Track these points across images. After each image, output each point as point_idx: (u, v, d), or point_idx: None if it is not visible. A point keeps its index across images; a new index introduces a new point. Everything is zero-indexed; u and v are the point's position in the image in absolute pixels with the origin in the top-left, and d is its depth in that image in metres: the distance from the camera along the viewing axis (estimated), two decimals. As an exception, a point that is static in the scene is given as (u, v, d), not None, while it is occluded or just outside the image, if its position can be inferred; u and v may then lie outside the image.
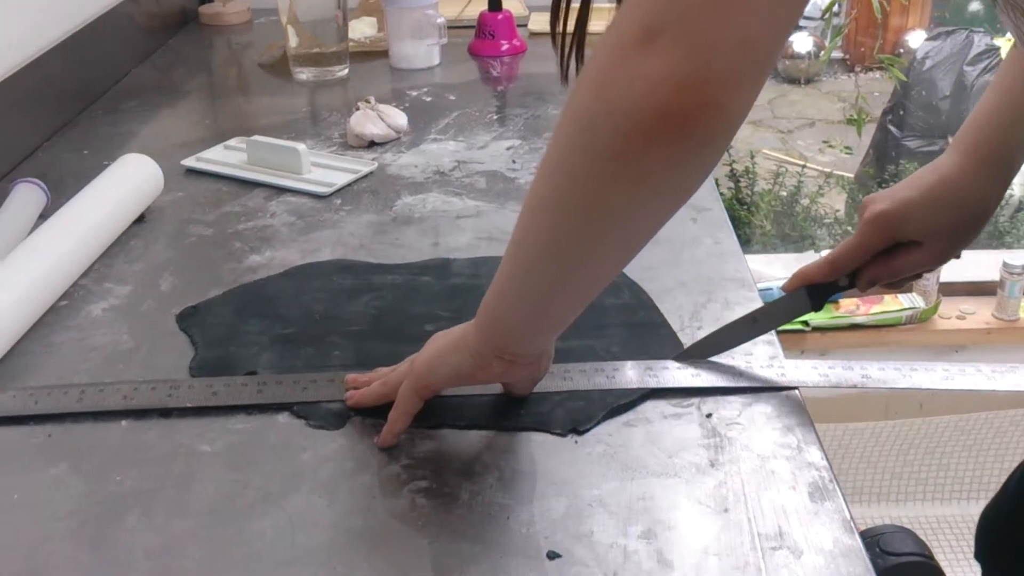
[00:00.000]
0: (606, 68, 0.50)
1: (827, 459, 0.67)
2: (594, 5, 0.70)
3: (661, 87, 0.47)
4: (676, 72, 0.47)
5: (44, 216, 0.97)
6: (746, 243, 2.20)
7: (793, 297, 0.80)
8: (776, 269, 2.05)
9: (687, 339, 0.80)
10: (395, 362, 0.75)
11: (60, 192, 1.01)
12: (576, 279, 0.60)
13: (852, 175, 2.97)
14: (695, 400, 0.73)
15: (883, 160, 2.83)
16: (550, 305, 0.62)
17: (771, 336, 0.80)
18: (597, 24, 0.61)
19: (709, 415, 0.71)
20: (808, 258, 2.09)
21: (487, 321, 0.66)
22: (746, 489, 0.64)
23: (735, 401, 0.73)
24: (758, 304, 0.86)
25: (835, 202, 2.70)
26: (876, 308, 1.95)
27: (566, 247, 0.57)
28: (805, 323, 1.94)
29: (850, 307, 1.96)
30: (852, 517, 0.62)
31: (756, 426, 0.70)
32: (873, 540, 1.38)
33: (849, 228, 2.47)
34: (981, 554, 1.13)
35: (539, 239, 0.59)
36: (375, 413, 0.71)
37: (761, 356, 0.78)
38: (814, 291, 0.79)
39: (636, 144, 0.50)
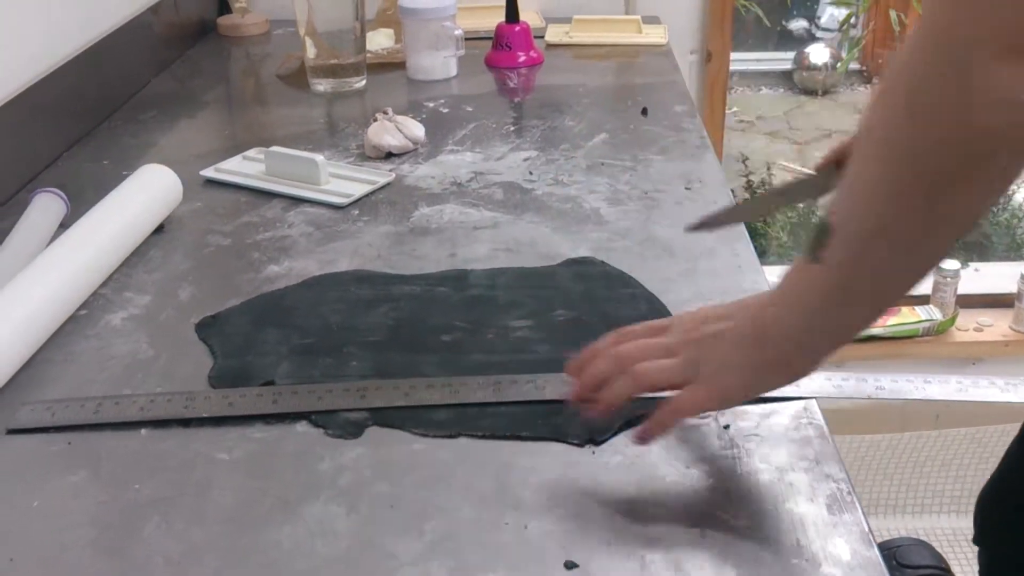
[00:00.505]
0: (965, 84, 0.48)
1: (845, 471, 0.67)
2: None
3: None
4: None
5: (64, 225, 0.98)
6: (762, 254, 2.19)
7: (825, 175, 0.76)
8: (792, 281, 2.04)
9: (704, 350, 0.80)
10: (413, 373, 0.76)
11: (80, 202, 1.02)
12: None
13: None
14: (712, 412, 0.73)
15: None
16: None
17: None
18: None
19: (726, 427, 0.71)
20: (824, 270, 2.08)
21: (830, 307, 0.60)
22: (764, 501, 0.64)
23: (752, 413, 0.73)
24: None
25: (851, 214, 2.69)
26: (893, 320, 1.94)
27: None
28: (821, 335, 1.93)
29: (867, 319, 1.95)
30: (871, 529, 0.62)
31: (774, 438, 0.70)
32: (890, 553, 1.37)
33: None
34: (981, 538, 1.13)
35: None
36: (392, 423, 0.72)
37: (779, 368, 0.78)
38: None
39: (997, 155, 0.50)
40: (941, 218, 0.54)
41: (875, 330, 1.93)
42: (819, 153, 3.78)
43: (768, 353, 0.63)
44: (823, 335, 0.62)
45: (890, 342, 1.94)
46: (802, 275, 0.61)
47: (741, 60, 4.13)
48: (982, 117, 0.48)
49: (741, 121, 3.88)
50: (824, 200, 0.65)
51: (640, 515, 0.63)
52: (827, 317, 0.61)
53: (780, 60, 4.28)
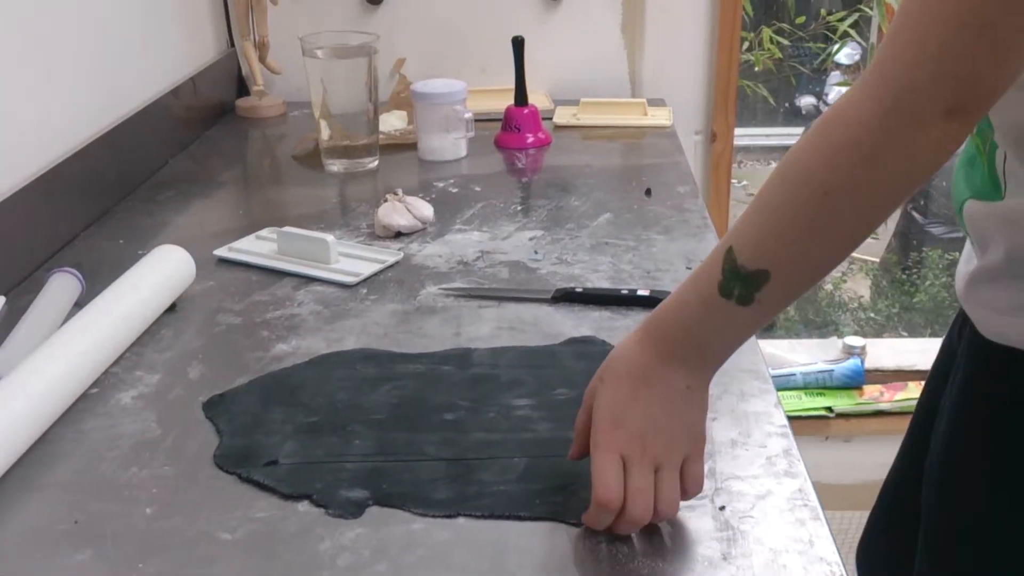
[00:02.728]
0: (917, 135, 0.61)
1: (839, 554, 0.68)
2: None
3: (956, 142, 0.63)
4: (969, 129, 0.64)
5: (80, 304, 1.00)
6: (768, 328, 2.21)
7: None
8: (799, 355, 2.05)
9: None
10: (414, 452, 0.78)
11: (96, 280, 1.05)
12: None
13: (877, 260, 2.98)
14: (708, 492, 0.74)
15: (907, 247, 2.84)
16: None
17: (785, 429, 0.81)
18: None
19: (722, 508, 0.72)
20: (832, 344, 2.09)
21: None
22: (757, 583, 0.65)
23: (748, 493, 0.74)
24: (773, 396, 0.87)
25: (859, 287, 2.71)
26: (900, 395, 1.95)
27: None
28: (829, 409, 1.93)
29: (874, 394, 1.95)
30: (863, 612, 0.63)
31: (768, 519, 0.71)
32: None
33: (873, 314, 2.47)
34: None
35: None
36: (392, 503, 0.73)
37: (775, 447, 0.79)
38: None
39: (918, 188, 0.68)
40: (863, 235, 0.67)
41: (882, 405, 1.93)
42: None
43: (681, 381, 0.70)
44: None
45: (898, 416, 1.94)
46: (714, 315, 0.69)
47: (748, 135, 4.18)
48: (927, 159, 0.62)
49: (751, 194, 3.91)
50: None
51: (634, 596, 0.64)
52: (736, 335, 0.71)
53: (788, 136, 4.33)
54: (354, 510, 0.72)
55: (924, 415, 1.02)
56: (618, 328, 0.99)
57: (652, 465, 0.68)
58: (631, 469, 0.68)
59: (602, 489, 0.68)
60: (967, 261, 0.91)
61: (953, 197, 0.90)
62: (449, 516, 0.72)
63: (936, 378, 1.03)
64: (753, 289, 0.66)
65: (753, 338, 0.96)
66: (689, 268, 1.12)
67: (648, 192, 1.37)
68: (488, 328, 1.00)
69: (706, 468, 0.76)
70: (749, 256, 0.66)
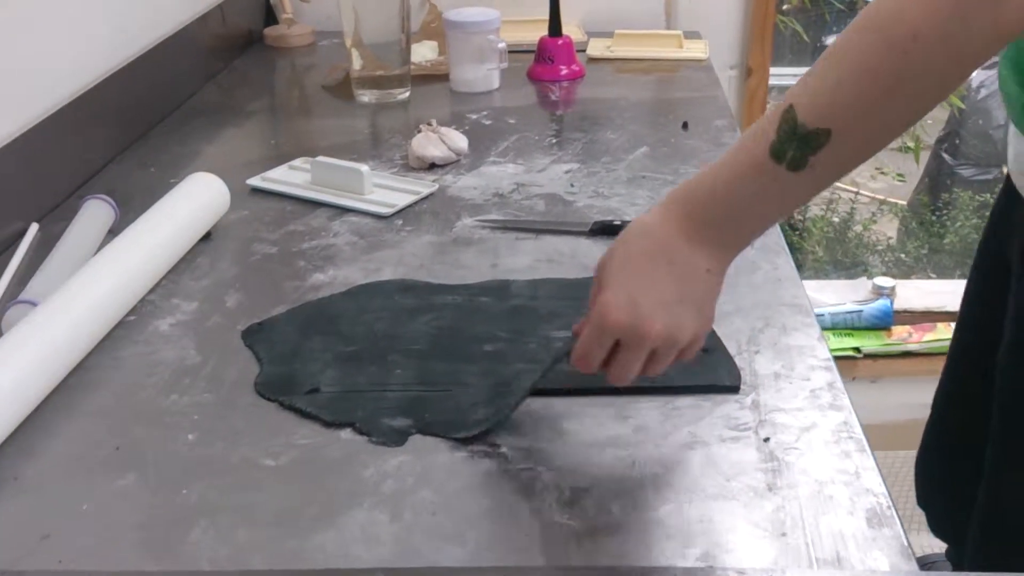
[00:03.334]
0: None
1: (885, 485, 0.67)
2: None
3: None
4: None
5: (113, 232, 1.00)
6: (798, 268, 2.19)
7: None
8: (828, 295, 2.03)
9: (743, 363, 0.80)
10: (455, 381, 0.78)
11: (128, 208, 1.04)
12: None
13: (905, 202, 2.95)
14: (752, 424, 0.73)
15: (937, 188, 2.80)
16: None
17: (829, 363, 0.81)
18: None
19: (767, 439, 0.72)
20: (861, 285, 2.07)
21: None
22: (804, 513, 0.64)
23: (793, 426, 0.73)
24: (816, 330, 0.86)
25: (888, 229, 2.68)
26: (929, 336, 1.93)
27: None
28: (857, 349, 1.92)
29: (902, 335, 1.94)
30: (910, 544, 0.62)
31: (814, 451, 0.70)
32: (927, 567, 1.37)
33: (902, 255, 2.45)
34: (921, 499, 1.14)
35: None
36: (435, 431, 0.73)
37: (819, 381, 0.78)
38: None
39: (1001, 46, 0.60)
40: (939, 97, 0.61)
41: (911, 346, 1.92)
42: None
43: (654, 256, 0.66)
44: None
45: (926, 358, 1.93)
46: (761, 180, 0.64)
47: (778, 75, 4.11)
48: (1013, 16, 0.57)
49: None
50: None
51: (681, 528, 0.63)
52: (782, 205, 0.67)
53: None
54: (397, 438, 0.72)
55: (970, 320, 1.02)
56: (656, 262, 0.97)
57: (648, 351, 0.66)
58: (624, 352, 0.66)
59: (582, 353, 0.67)
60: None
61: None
62: (491, 445, 0.71)
63: (980, 279, 1.03)
64: (808, 151, 0.61)
65: (796, 272, 0.96)
66: (728, 202, 1.10)
67: (685, 126, 1.34)
68: (526, 260, 0.99)
69: (749, 400, 0.76)
70: (813, 113, 0.61)
